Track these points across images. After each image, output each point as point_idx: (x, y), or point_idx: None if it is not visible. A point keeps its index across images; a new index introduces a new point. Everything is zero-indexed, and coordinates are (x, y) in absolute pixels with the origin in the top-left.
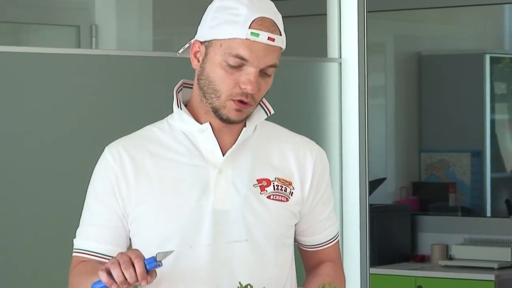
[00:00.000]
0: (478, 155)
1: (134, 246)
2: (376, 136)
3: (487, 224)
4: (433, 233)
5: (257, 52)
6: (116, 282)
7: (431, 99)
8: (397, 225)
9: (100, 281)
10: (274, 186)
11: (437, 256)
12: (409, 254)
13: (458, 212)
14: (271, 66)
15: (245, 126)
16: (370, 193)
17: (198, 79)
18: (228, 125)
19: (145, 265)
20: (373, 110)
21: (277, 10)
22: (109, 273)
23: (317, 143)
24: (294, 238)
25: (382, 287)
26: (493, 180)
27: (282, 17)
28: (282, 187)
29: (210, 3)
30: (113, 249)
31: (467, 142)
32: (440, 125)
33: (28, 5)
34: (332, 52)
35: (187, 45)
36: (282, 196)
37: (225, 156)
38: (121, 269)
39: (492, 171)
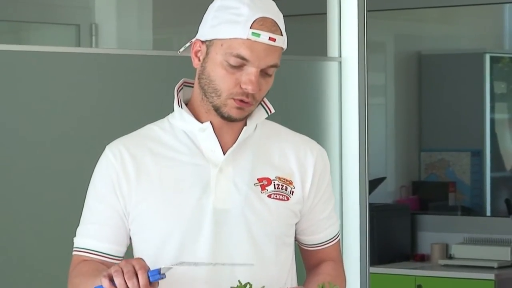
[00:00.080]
0: (478, 154)
1: (134, 245)
2: (376, 135)
3: (487, 223)
4: (433, 233)
5: (258, 52)
6: None
7: (431, 99)
8: (397, 224)
9: (101, 286)
10: (274, 185)
11: (437, 255)
12: (409, 253)
13: (458, 211)
14: (272, 66)
15: (245, 125)
16: (370, 192)
17: (199, 78)
18: (229, 124)
19: (149, 277)
20: (373, 109)
21: (278, 10)
22: (112, 280)
23: (317, 142)
24: (295, 237)
25: (382, 286)
26: (493, 179)
27: (283, 16)
28: (283, 186)
29: (211, 2)
30: (113, 247)
31: (467, 142)
32: (440, 124)
33: (28, 4)
34: (332, 51)
35: (188, 44)
36: (282, 195)
37: (225, 155)
38: (124, 278)
39: (492, 170)
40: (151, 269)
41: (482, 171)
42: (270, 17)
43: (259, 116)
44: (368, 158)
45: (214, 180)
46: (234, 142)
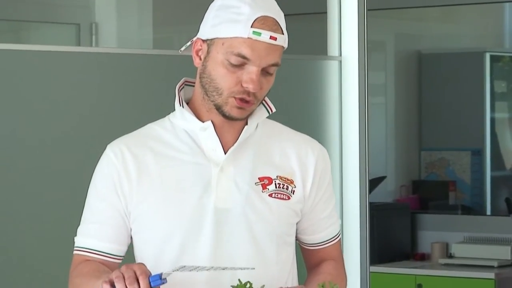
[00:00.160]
0: (478, 153)
1: (135, 244)
2: (376, 134)
3: (487, 222)
4: (433, 232)
5: (259, 51)
6: None
7: (431, 98)
8: (397, 223)
9: None
10: (275, 184)
11: (437, 254)
12: (409, 253)
13: (458, 210)
14: (273, 65)
15: (246, 124)
16: (370, 192)
17: (200, 77)
18: (230, 123)
19: (150, 282)
20: (373, 108)
21: (279, 9)
22: (113, 285)
23: (317, 141)
24: (296, 237)
25: (382, 285)
26: (493, 178)
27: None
28: (284, 185)
29: (211, 1)
30: (114, 247)
31: (467, 141)
32: (440, 123)
33: (28, 3)
34: (332, 50)
35: (189, 43)
36: (283, 194)
37: (227, 154)
38: (125, 284)
39: (492, 169)
40: (153, 273)
41: (482, 170)
42: (271, 16)
43: (260, 115)
44: (368, 157)
45: (215, 180)
46: (235, 141)
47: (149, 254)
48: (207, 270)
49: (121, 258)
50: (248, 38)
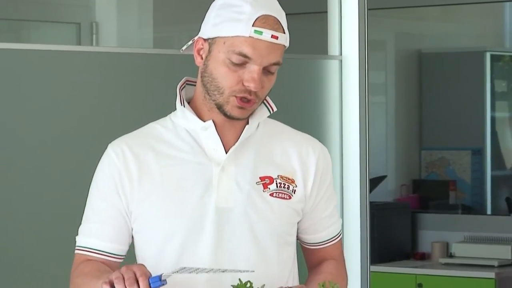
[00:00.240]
0: (478, 153)
1: (136, 243)
2: (377, 133)
3: (487, 222)
4: (433, 231)
5: (260, 50)
6: None
7: (431, 97)
8: (397, 223)
9: None
10: (276, 183)
11: (438, 254)
12: (410, 252)
13: (459, 210)
14: (275, 64)
15: (247, 123)
16: (370, 191)
17: (201, 76)
18: (231, 122)
19: (150, 284)
20: (374, 107)
21: (281, 8)
22: (113, 286)
23: (317, 140)
24: (297, 236)
25: (382, 285)
26: (493, 178)
27: None
28: (285, 184)
29: (211, 0)
30: (116, 246)
31: (468, 140)
32: (440, 123)
33: (29, 2)
34: (333, 49)
35: (191, 42)
36: (284, 194)
37: (228, 153)
38: (125, 285)
39: (492, 169)
40: (153, 272)
41: (483, 169)
42: (273, 15)
43: (261, 115)
44: (368, 157)
45: (216, 179)
46: (236, 141)
47: (150, 253)
48: (207, 272)
49: (122, 257)
50: (250, 37)
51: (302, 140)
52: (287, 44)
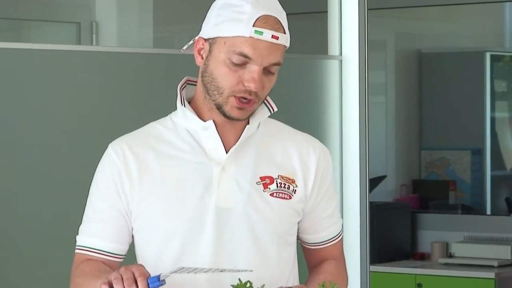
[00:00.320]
0: (478, 153)
1: (137, 243)
2: (377, 133)
3: (487, 222)
4: (433, 231)
5: (260, 50)
6: None
7: (431, 97)
8: (397, 222)
9: None
10: (277, 183)
11: (437, 254)
12: (409, 252)
13: (458, 210)
14: (275, 64)
15: (248, 123)
16: (370, 191)
17: (201, 76)
18: (232, 122)
19: (148, 284)
20: (374, 107)
21: (281, 8)
22: (111, 286)
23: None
24: (297, 236)
25: (382, 285)
26: (493, 178)
27: None
28: (285, 184)
29: (211, 0)
30: (116, 246)
31: (468, 140)
32: (440, 123)
33: (28, 2)
34: (333, 49)
35: (191, 42)
36: (285, 194)
37: (228, 153)
38: (123, 285)
39: (492, 169)
40: (153, 272)
41: (483, 169)
42: (273, 15)
43: (262, 115)
44: (368, 157)
45: (216, 179)
46: (237, 141)
47: (150, 253)
48: (205, 272)
49: (122, 257)
50: (250, 37)
51: (302, 140)
52: (287, 44)
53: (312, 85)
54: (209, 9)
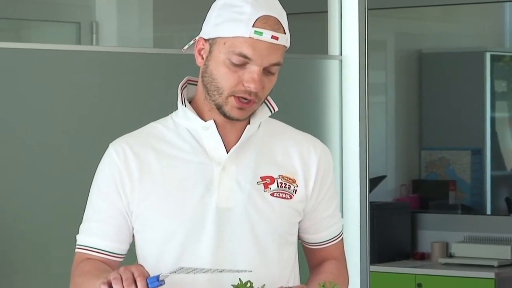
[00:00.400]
0: (478, 153)
1: (137, 243)
2: (377, 133)
3: (487, 222)
4: (433, 231)
5: (260, 51)
6: None
7: (431, 97)
8: (397, 222)
9: None
10: (277, 183)
11: (437, 254)
12: (409, 252)
13: (458, 210)
14: (275, 64)
15: (249, 123)
16: (370, 191)
17: (202, 76)
18: (232, 122)
19: (147, 284)
20: (374, 107)
21: (282, 8)
22: (111, 286)
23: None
24: (298, 236)
25: (382, 285)
26: (493, 178)
27: None
28: (286, 184)
29: (211, 0)
30: (116, 246)
31: (468, 140)
32: (440, 123)
33: (29, 2)
34: (333, 49)
35: (192, 42)
36: (285, 194)
37: (229, 153)
38: (123, 285)
39: (492, 169)
40: (153, 272)
41: (483, 169)
42: (273, 15)
43: (262, 115)
44: (368, 156)
45: (217, 179)
46: (238, 141)
47: (151, 253)
48: (204, 272)
49: (122, 256)
50: (250, 37)
51: (303, 140)
52: (287, 45)
53: (312, 85)
54: (209, 9)
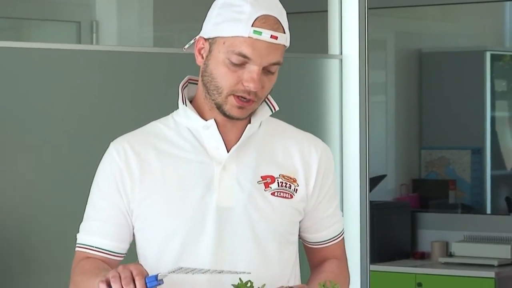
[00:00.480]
0: (478, 152)
1: (138, 242)
2: (377, 133)
3: (487, 221)
4: (433, 230)
5: (260, 50)
6: None
7: (431, 96)
8: (397, 222)
9: None
10: (278, 183)
11: (437, 253)
12: (409, 251)
13: (458, 209)
14: (275, 64)
15: (249, 122)
16: (370, 190)
17: (202, 76)
18: (233, 121)
19: (146, 283)
20: (374, 107)
21: (282, 7)
22: (109, 285)
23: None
24: (299, 235)
25: (382, 284)
26: (493, 177)
27: None
28: (287, 184)
29: None
30: (116, 245)
31: (468, 139)
32: (440, 122)
33: (28, 1)
34: (333, 48)
35: (192, 41)
36: (286, 193)
37: (229, 152)
38: (121, 284)
39: (492, 168)
40: (153, 271)
41: (483, 169)
42: (273, 14)
43: (263, 114)
44: (368, 156)
45: (217, 178)
46: (238, 140)
47: (151, 252)
48: (203, 273)
49: (122, 255)
50: (249, 37)
51: (304, 139)
52: (287, 44)
53: (312, 85)
54: (209, 8)
